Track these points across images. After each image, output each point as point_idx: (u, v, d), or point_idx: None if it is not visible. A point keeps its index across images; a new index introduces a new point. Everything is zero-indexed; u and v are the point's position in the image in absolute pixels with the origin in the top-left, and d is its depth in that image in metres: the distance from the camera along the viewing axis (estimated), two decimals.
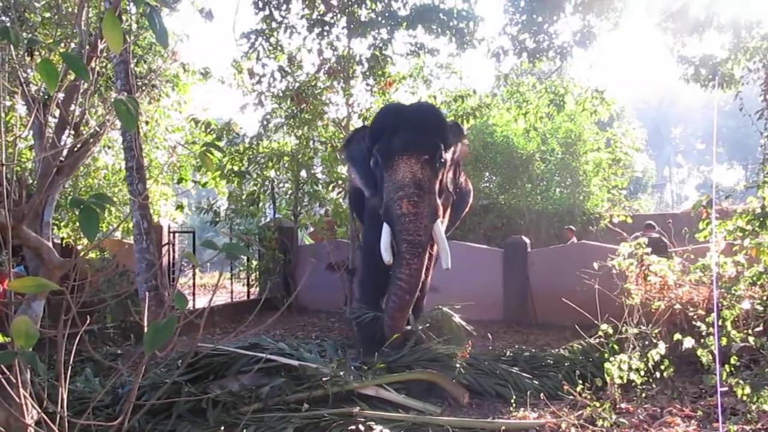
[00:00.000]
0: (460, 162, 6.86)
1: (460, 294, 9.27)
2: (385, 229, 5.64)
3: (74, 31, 7.12)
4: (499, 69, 10.77)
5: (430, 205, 5.52)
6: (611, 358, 4.79)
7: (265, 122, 10.17)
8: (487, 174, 14.78)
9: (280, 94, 9.92)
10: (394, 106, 6.67)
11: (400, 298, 5.47)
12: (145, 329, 1.84)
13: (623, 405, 4.58)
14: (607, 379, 4.74)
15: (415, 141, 5.59)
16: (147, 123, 10.41)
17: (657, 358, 4.78)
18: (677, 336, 5.02)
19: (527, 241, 9.66)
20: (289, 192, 11.15)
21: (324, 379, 4.68)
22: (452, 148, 6.07)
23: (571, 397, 4.67)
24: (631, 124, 17.58)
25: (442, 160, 5.73)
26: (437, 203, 5.63)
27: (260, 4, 9.48)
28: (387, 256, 5.55)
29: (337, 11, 9.70)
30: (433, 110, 6.24)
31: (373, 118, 6.54)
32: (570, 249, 9.36)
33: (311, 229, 13.19)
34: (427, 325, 6.07)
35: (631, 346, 5.01)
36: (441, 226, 5.74)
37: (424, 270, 5.54)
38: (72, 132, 5.14)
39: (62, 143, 4.89)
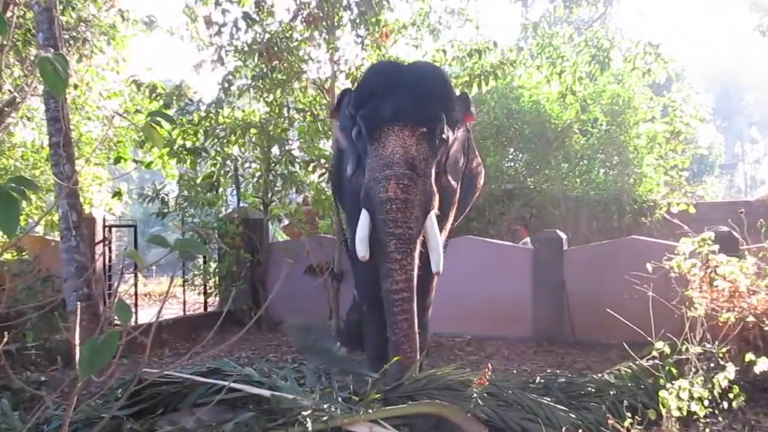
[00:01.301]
0: (470, 137, 6.90)
1: (477, 304, 9.35)
2: (363, 217, 5.63)
3: None
4: (526, 16, 10.79)
5: (424, 191, 5.53)
6: (668, 385, 4.83)
7: (226, 85, 10.15)
8: (512, 150, 14.79)
9: (246, 49, 9.89)
10: (385, 65, 6.68)
11: (405, 312, 5.46)
12: (77, 349, 1.86)
13: None
14: (663, 411, 4.78)
15: (410, 108, 5.60)
16: (76, 87, 10.39)
17: (725, 383, 4.82)
18: (750, 356, 5.06)
19: (563, 236, 9.69)
20: (258, 174, 11.14)
21: (303, 413, 4.70)
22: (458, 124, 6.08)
23: None
24: (694, 88, 17.59)
25: (444, 136, 5.74)
26: (432, 190, 5.63)
27: None
28: (362, 250, 5.55)
29: None
30: (436, 71, 6.27)
31: (359, 79, 6.55)
32: (618, 247, 9.39)
33: (286, 222, 13.18)
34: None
35: (693, 369, 5.06)
36: (434, 218, 5.74)
37: (416, 269, 5.54)
38: None
39: None
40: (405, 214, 5.41)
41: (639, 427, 4.74)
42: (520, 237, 11.92)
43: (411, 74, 6.00)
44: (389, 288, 5.45)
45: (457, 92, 6.87)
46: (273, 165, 10.79)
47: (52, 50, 6.49)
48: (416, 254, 5.52)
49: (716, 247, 5.72)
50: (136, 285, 10.92)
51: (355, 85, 6.48)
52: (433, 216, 5.67)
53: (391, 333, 5.58)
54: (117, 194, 12.11)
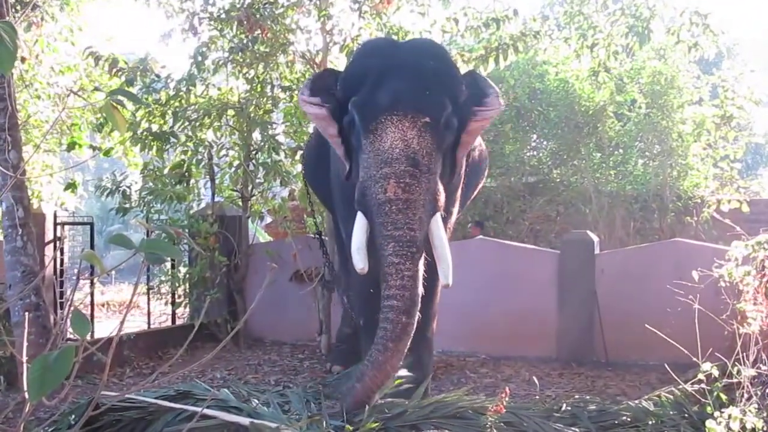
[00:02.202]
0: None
1: (492, 319, 9.35)
2: (360, 222, 5.67)
3: None
4: None
5: (428, 190, 5.54)
6: (716, 413, 4.84)
7: (199, 58, 10.14)
8: (535, 137, 14.81)
9: (223, 16, 9.89)
10: (379, 43, 6.70)
11: (394, 323, 5.42)
12: (24, 368, 1.87)
13: None
14: None
15: (410, 95, 5.62)
16: (24, 60, 10.37)
17: None
18: None
19: (595, 238, 9.70)
20: (236, 163, 11.12)
21: None
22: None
23: None
24: (749, 65, 17.56)
25: (450, 125, 5.76)
26: (438, 188, 5.64)
27: None
28: (360, 261, 5.55)
29: None
30: (438, 50, 6.35)
31: (351, 59, 6.55)
32: (658, 251, 9.40)
33: (269, 220, 13.16)
34: None
35: (746, 394, 5.06)
36: (441, 221, 5.75)
37: (420, 279, 5.53)
38: None
39: None
40: (406, 215, 5.40)
41: None
42: (472, 236, 11.90)
43: (410, 54, 6.03)
44: (382, 293, 5.45)
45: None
46: (254, 153, 10.76)
47: None
48: (419, 261, 5.51)
49: None
50: (92, 293, 10.92)
51: (345, 66, 6.47)
52: (438, 218, 5.67)
53: (375, 345, 5.52)
54: (71, 186, 12.09)
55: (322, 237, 8.76)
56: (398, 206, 5.39)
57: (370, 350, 5.56)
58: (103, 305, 15.05)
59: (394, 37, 9.45)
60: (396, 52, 6.10)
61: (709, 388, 5.27)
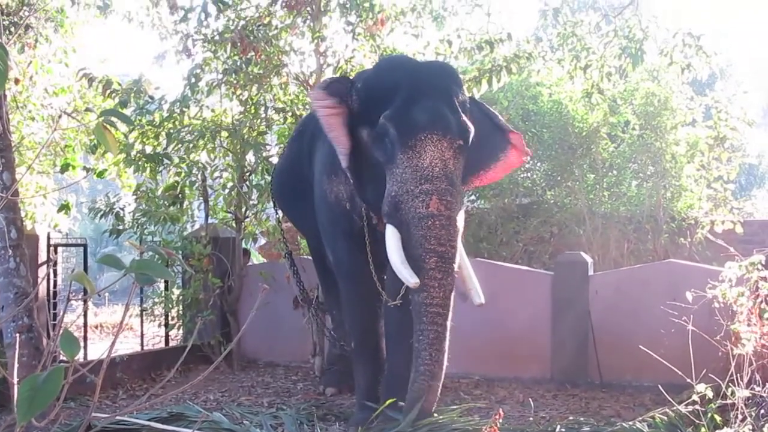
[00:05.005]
0: None
1: (486, 340, 9.34)
2: (394, 237, 5.78)
3: None
4: (546, 1, 10.82)
5: (460, 210, 5.79)
6: None
7: (193, 80, 10.16)
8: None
9: (216, 38, 9.92)
10: (402, 60, 6.79)
11: (438, 331, 5.67)
12: (15, 389, 1.86)
13: None
14: None
15: (448, 117, 5.78)
16: (17, 81, 10.39)
17: None
18: None
19: (588, 259, 9.69)
20: (230, 185, 11.11)
21: None
22: None
23: None
24: (742, 86, 17.62)
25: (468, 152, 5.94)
26: (462, 210, 5.83)
27: None
28: (412, 276, 5.61)
29: None
30: (457, 76, 6.47)
31: (371, 72, 6.56)
32: (652, 272, 9.40)
33: (263, 242, 13.13)
34: None
35: (740, 415, 5.06)
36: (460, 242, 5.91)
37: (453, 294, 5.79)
38: None
39: None
40: (449, 232, 5.62)
41: None
42: None
43: (435, 74, 6.14)
44: (423, 301, 5.64)
45: None
46: (248, 174, 10.76)
47: None
48: (454, 277, 5.73)
49: (767, 273, 5.73)
50: (85, 314, 10.86)
51: (364, 78, 6.47)
52: (459, 240, 5.84)
53: (415, 340, 5.77)
54: (64, 208, 12.07)
55: (293, 257, 8.88)
56: (441, 222, 5.59)
57: (417, 361, 5.76)
58: (96, 327, 14.97)
59: None
60: (421, 70, 6.23)
61: (703, 409, 5.26)
